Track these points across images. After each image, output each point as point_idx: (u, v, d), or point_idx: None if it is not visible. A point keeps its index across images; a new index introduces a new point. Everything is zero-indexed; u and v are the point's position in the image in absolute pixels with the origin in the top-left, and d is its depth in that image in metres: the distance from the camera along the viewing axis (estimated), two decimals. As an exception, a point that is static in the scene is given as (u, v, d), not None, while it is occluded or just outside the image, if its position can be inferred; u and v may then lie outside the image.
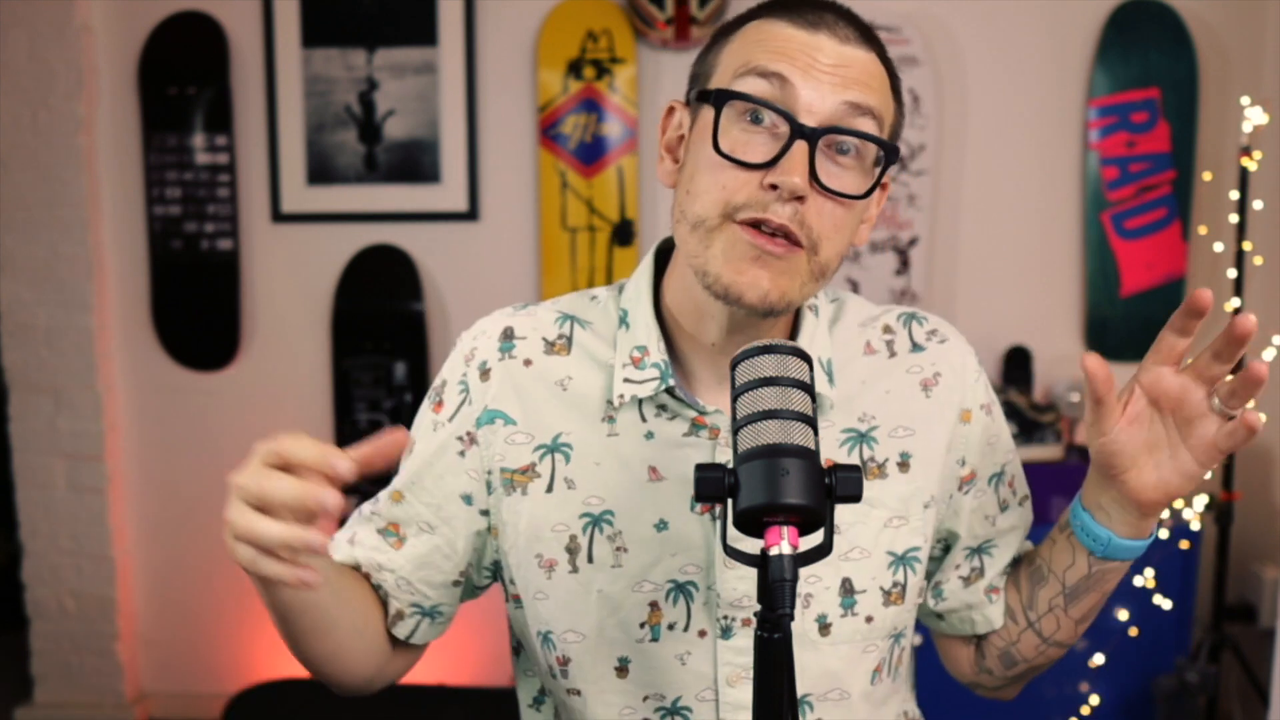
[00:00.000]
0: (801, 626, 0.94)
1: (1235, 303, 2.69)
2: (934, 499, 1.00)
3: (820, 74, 0.87)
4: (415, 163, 3.09)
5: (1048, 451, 2.78)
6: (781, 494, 0.70)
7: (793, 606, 0.70)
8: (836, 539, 0.94)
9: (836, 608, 0.96)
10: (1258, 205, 2.79)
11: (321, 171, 3.10)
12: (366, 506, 1.07)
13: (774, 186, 0.85)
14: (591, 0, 2.99)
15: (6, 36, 3.02)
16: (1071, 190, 3.04)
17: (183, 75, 3.07)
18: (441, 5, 3.03)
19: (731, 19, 0.95)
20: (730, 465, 0.74)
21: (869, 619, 0.97)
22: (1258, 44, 2.97)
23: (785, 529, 0.71)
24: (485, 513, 1.01)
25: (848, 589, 0.96)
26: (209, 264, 3.12)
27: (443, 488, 1.00)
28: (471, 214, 3.10)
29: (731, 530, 0.74)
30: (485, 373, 1.00)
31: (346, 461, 0.76)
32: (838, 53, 0.88)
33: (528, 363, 1.00)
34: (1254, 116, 2.66)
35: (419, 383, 3.11)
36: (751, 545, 0.73)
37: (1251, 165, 2.67)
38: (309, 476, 0.76)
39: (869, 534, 0.97)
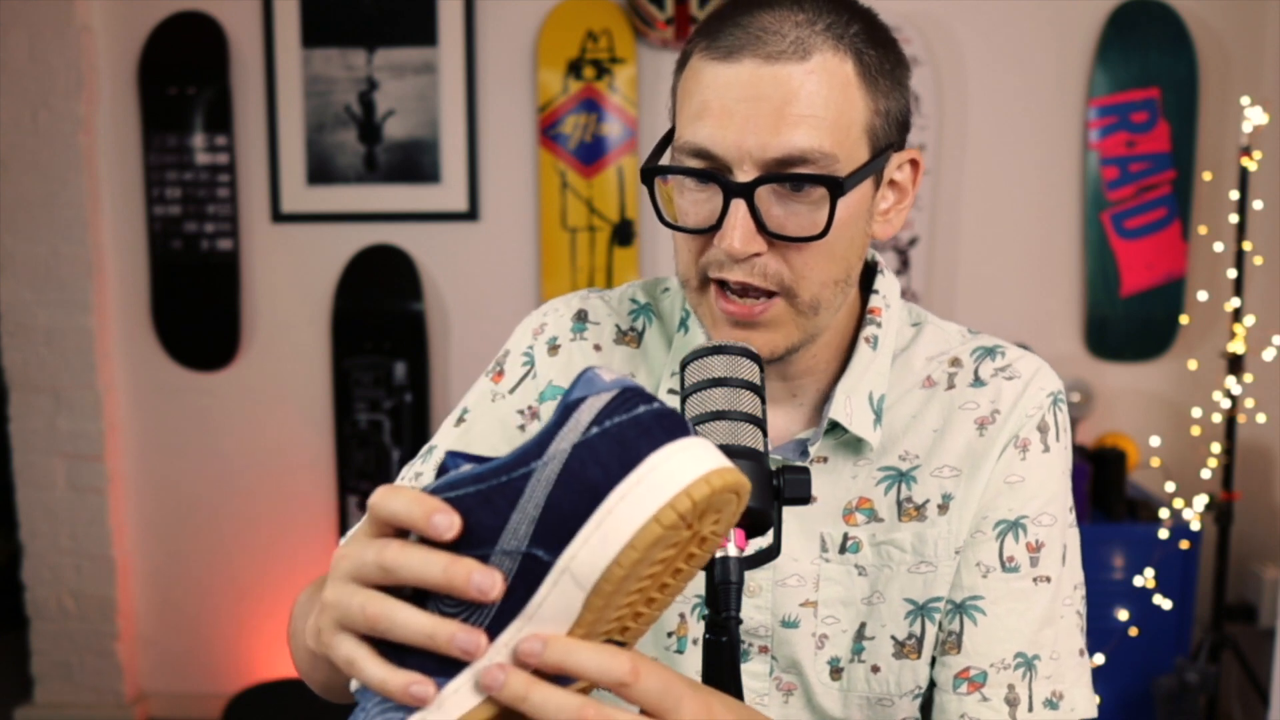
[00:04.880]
0: (814, 668, 0.93)
1: (1235, 303, 2.69)
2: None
3: (743, 119, 0.80)
4: (415, 163, 3.09)
5: (1048, 451, 2.78)
6: None
7: (738, 609, 0.68)
8: (861, 583, 0.92)
9: (848, 652, 0.93)
10: (1258, 205, 2.79)
11: (321, 171, 3.10)
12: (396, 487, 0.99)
13: None
14: (591, 0, 2.99)
15: (6, 36, 3.02)
16: (1071, 190, 3.04)
17: (183, 75, 3.07)
18: (441, 5, 3.03)
19: (694, 33, 0.87)
20: None
21: (875, 669, 0.93)
22: (1258, 44, 2.97)
23: (732, 531, 0.70)
24: None
25: (860, 634, 0.93)
26: (209, 264, 3.12)
27: None
28: (471, 214, 3.10)
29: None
30: (554, 348, 0.98)
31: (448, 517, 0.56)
32: (764, 79, 0.79)
33: (597, 348, 0.98)
34: (1254, 116, 2.66)
35: (419, 383, 3.11)
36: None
37: (1251, 165, 2.67)
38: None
39: (892, 579, 0.92)
